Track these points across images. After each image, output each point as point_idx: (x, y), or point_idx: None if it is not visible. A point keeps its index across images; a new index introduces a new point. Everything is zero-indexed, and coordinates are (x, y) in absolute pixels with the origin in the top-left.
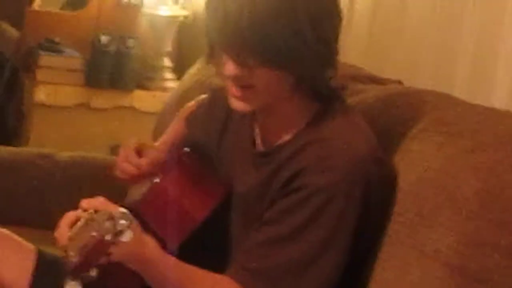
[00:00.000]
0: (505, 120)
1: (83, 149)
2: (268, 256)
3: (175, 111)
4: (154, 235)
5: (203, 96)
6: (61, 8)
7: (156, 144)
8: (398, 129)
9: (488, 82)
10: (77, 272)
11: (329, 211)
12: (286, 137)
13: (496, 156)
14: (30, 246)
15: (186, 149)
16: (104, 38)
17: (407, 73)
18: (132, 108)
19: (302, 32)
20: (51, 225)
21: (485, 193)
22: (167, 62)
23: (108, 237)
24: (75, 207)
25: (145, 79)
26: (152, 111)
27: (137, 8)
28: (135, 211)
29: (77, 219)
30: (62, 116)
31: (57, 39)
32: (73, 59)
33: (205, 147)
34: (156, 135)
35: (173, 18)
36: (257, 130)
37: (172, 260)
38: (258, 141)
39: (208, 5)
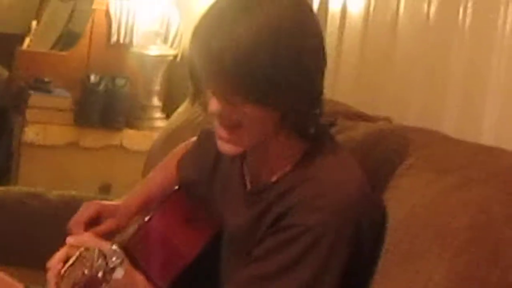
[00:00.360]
0: (493, 157)
1: (73, 188)
2: None
3: (164, 150)
4: (144, 272)
5: (193, 139)
6: (51, 48)
7: (125, 198)
8: (387, 166)
9: (477, 119)
10: None
11: (317, 251)
12: (276, 176)
13: (485, 192)
14: (20, 286)
15: (176, 187)
16: (93, 77)
17: (396, 110)
18: (121, 147)
19: (283, 66)
20: (41, 265)
21: (474, 228)
22: (156, 101)
23: (100, 275)
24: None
25: (134, 118)
26: (141, 150)
27: (126, 47)
28: (125, 248)
29: (68, 257)
30: (52, 155)
31: (47, 79)
32: (63, 98)
33: (197, 186)
34: (145, 174)
35: (162, 57)
36: (246, 169)
37: None
38: (248, 180)
39: (192, 43)
